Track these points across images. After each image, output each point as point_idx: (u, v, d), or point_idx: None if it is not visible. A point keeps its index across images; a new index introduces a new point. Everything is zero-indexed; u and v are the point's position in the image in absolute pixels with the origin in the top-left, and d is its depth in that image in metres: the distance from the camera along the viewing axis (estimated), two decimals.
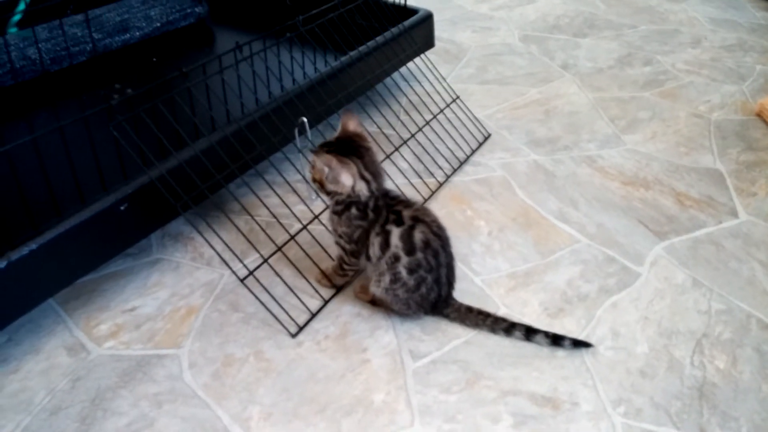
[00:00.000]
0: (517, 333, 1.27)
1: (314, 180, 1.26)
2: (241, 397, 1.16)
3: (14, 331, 1.28)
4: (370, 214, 1.24)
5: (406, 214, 1.23)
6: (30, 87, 1.80)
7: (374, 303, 1.33)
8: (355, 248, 1.28)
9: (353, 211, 1.25)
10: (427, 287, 1.24)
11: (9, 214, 1.17)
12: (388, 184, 1.57)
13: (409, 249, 1.21)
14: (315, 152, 1.23)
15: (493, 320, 1.28)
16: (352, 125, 1.28)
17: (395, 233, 1.22)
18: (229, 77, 1.48)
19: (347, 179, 1.22)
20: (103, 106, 1.22)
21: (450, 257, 1.27)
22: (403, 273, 1.22)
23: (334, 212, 1.28)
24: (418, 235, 1.21)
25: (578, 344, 1.26)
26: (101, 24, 1.91)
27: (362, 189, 1.23)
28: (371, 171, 1.24)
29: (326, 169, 1.22)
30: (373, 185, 1.24)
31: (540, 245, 1.52)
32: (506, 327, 1.27)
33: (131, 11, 1.97)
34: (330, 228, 1.32)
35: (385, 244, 1.22)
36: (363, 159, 1.24)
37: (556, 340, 1.25)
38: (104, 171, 1.28)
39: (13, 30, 1.90)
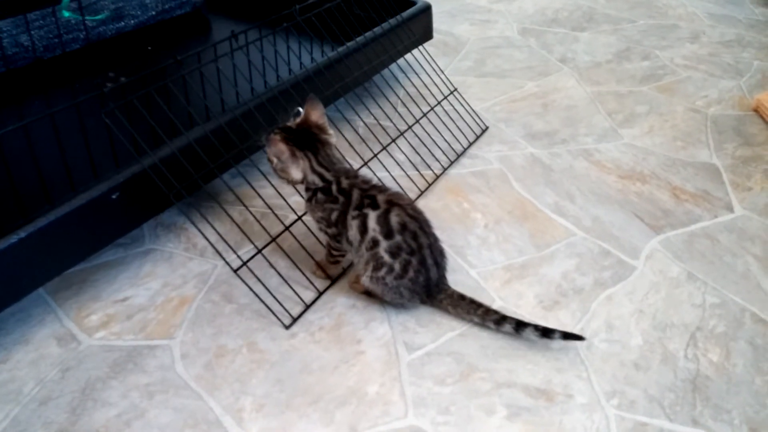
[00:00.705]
0: (507, 326, 1.25)
1: (269, 160, 1.27)
2: (234, 388, 1.15)
3: (4, 320, 1.27)
4: (339, 197, 1.25)
5: (381, 198, 1.24)
6: (22, 74, 1.78)
7: (369, 294, 1.33)
8: (335, 231, 1.28)
9: (320, 195, 1.26)
10: (414, 270, 1.23)
11: None
12: (385, 177, 1.57)
13: (387, 232, 1.21)
14: (271, 138, 1.22)
15: (484, 311, 1.27)
16: (315, 115, 1.27)
17: (372, 216, 1.22)
18: (224, 66, 1.47)
19: (296, 173, 1.24)
20: (95, 93, 1.21)
21: (432, 238, 1.26)
22: (386, 257, 1.22)
23: (307, 200, 1.29)
24: (394, 218, 1.22)
25: (569, 337, 1.24)
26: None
27: (315, 180, 1.25)
28: (324, 165, 1.25)
29: (275, 158, 1.24)
30: (328, 175, 1.25)
31: (536, 238, 1.51)
32: (497, 319, 1.26)
33: None
34: (311, 216, 1.32)
35: (363, 228, 1.23)
36: (317, 154, 1.25)
37: (546, 333, 1.24)
38: (96, 159, 1.27)
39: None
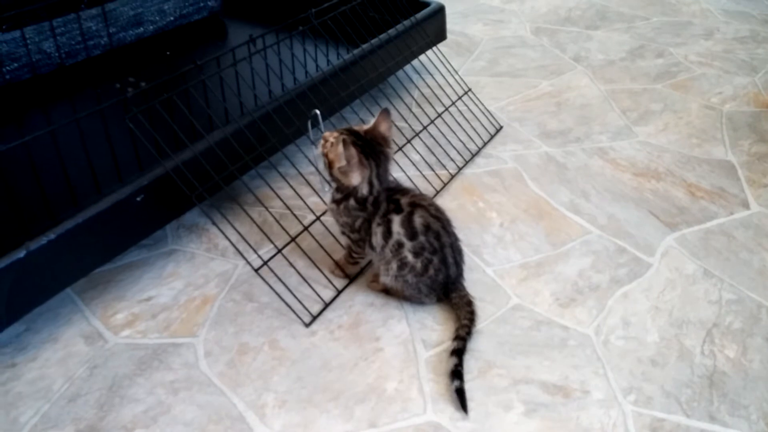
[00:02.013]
0: (451, 360, 1.20)
1: (324, 155, 1.27)
2: (256, 385, 1.18)
3: (32, 320, 1.30)
4: (369, 208, 1.26)
5: (404, 201, 1.26)
6: (46, 80, 1.82)
7: (387, 292, 1.35)
8: (358, 237, 1.30)
9: (351, 202, 1.27)
10: (435, 269, 1.25)
11: (27, 204, 1.19)
12: (401, 176, 1.59)
13: (411, 234, 1.23)
14: (343, 139, 1.20)
15: (460, 326, 1.25)
16: (384, 127, 1.28)
17: (396, 221, 1.24)
18: (242, 70, 1.50)
19: (356, 179, 1.24)
20: (119, 98, 1.24)
21: (453, 237, 1.29)
22: (409, 257, 1.24)
23: (334, 200, 1.30)
24: (417, 220, 1.24)
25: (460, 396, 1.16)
26: (115, 18, 1.93)
27: (363, 190, 1.26)
28: (380, 179, 1.26)
29: (344, 161, 1.22)
30: (376, 190, 1.26)
31: (551, 236, 1.53)
32: (453, 348, 1.22)
33: (145, 5, 1.98)
34: (334, 218, 1.34)
35: (388, 233, 1.25)
36: (379, 166, 1.25)
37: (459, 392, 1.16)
38: (120, 163, 1.30)
39: None
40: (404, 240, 1.24)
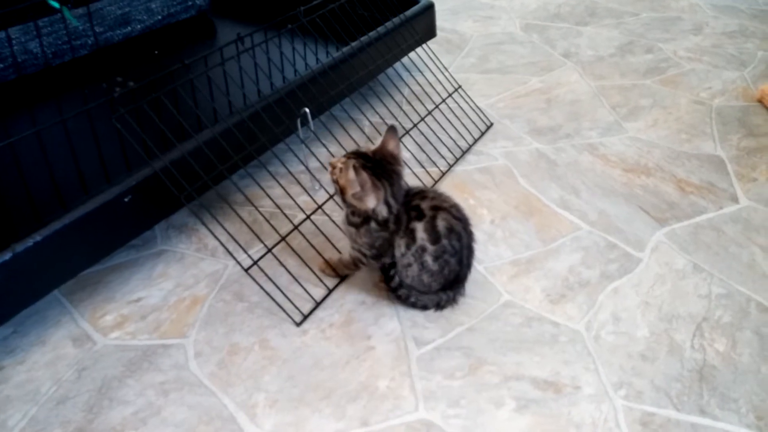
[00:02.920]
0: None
1: (335, 182, 1.24)
2: (247, 384, 1.18)
3: (20, 322, 1.29)
4: (392, 226, 1.24)
5: (425, 205, 1.24)
6: (32, 81, 1.81)
7: (394, 291, 1.33)
8: (377, 253, 1.28)
9: (372, 225, 1.25)
10: (450, 269, 1.26)
11: (14, 206, 1.18)
12: None
13: (435, 238, 1.22)
14: (353, 165, 1.18)
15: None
16: (392, 145, 1.25)
17: (419, 228, 1.22)
18: (230, 69, 1.49)
19: (372, 202, 1.21)
20: (106, 98, 1.23)
21: (471, 238, 1.28)
22: (429, 261, 1.23)
23: (351, 224, 1.27)
24: (441, 223, 1.22)
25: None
26: (102, 17, 1.92)
27: (383, 211, 1.23)
28: (396, 197, 1.24)
29: (357, 187, 1.19)
30: (395, 209, 1.24)
31: (542, 233, 1.53)
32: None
33: (132, 4, 1.97)
34: (345, 235, 1.32)
35: (411, 241, 1.23)
36: (393, 185, 1.23)
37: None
38: (108, 163, 1.29)
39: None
40: (427, 245, 1.22)
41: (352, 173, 1.18)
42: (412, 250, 1.23)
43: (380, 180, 1.21)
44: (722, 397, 1.16)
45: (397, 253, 1.25)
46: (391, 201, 1.23)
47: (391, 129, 1.26)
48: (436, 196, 1.27)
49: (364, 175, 1.18)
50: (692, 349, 1.25)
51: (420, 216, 1.23)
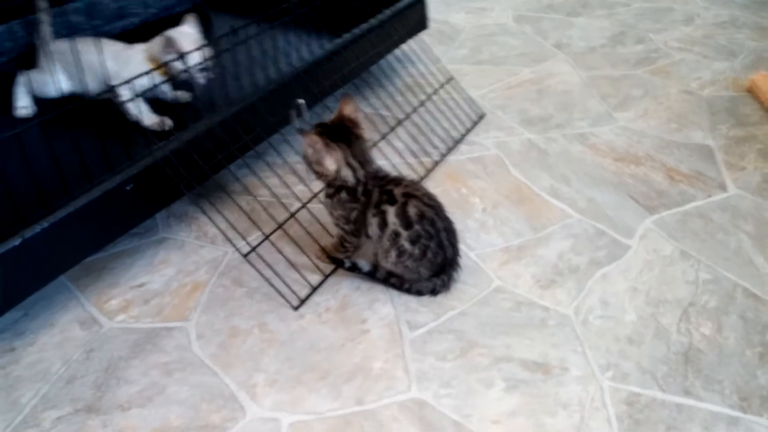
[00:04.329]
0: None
1: (304, 158, 1.31)
2: (247, 366, 1.22)
3: (30, 306, 1.34)
4: (361, 198, 1.29)
5: (397, 192, 1.28)
6: None
7: (332, 259, 1.40)
8: (353, 228, 1.33)
9: (343, 194, 1.30)
10: (433, 252, 1.30)
11: (21, 194, 1.21)
12: (385, 164, 1.63)
13: (407, 224, 1.27)
14: (305, 132, 1.26)
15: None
16: (349, 110, 1.31)
17: (391, 212, 1.27)
18: (226, 61, 1.52)
19: (331, 164, 1.27)
20: (106, 90, 1.27)
21: (447, 221, 1.32)
22: (407, 245, 1.28)
23: (327, 195, 1.33)
24: (412, 210, 1.27)
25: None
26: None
27: (348, 176, 1.28)
28: (359, 159, 1.29)
29: (310, 150, 1.26)
30: (360, 173, 1.29)
31: (532, 220, 1.57)
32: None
33: None
34: (327, 211, 1.37)
35: (383, 223, 1.28)
36: (351, 146, 1.28)
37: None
38: (110, 153, 1.33)
39: None
40: (400, 230, 1.27)
41: (301, 137, 1.25)
42: (386, 234, 1.28)
43: (335, 142, 1.26)
44: (707, 378, 1.20)
45: (371, 232, 1.30)
46: (353, 162, 1.28)
47: (346, 95, 1.32)
48: (410, 184, 1.32)
49: (314, 136, 1.24)
50: (678, 333, 1.28)
51: (391, 200, 1.28)
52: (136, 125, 1.32)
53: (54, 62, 1.50)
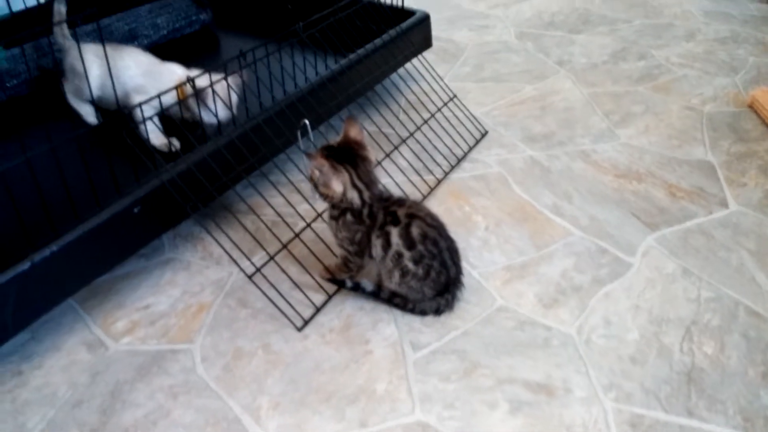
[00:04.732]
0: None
1: (310, 180, 1.32)
2: (251, 388, 1.23)
3: (37, 329, 1.35)
4: (366, 220, 1.30)
5: (401, 212, 1.30)
6: (45, 97, 1.85)
7: (333, 281, 1.42)
8: (358, 249, 1.34)
9: (348, 216, 1.31)
10: (436, 272, 1.31)
11: (30, 218, 1.23)
12: (388, 182, 1.64)
13: (410, 244, 1.28)
14: (311, 154, 1.27)
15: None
16: (354, 132, 1.32)
17: (394, 233, 1.28)
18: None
19: (337, 186, 1.28)
20: (116, 114, 1.28)
21: (449, 241, 1.33)
22: (410, 266, 1.29)
23: (332, 217, 1.34)
24: (415, 230, 1.28)
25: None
26: (110, 33, 1.97)
27: (354, 197, 1.29)
28: (364, 181, 1.30)
29: (317, 173, 1.28)
30: (366, 194, 1.30)
31: (535, 238, 1.58)
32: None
33: (139, 20, 2.03)
34: (332, 232, 1.38)
35: (387, 244, 1.29)
36: (357, 168, 1.29)
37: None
38: (118, 176, 1.34)
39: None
40: (403, 250, 1.28)
41: (307, 160, 1.26)
42: (389, 255, 1.29)
43: (341, 164, 1.28)
44: (710, 399, 1.20)
45: (375, 253, 1.31)
46: (359, 184, 1.29)
47: (349, 118, 1.33)
48: (413, 205, 1.33)
49: (321, 159, 1.26)
50: (681, 352, 1.29)
51: (395, 221, 1.29)
52: (143, 145, 1.33)
53: (83, 68, 1.48)
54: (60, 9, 1.67)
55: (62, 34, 1.66)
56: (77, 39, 1.43)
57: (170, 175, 1.35)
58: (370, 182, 1.31)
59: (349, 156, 1.29)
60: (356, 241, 1.33)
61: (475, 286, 1.44)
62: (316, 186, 1.30)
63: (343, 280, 1.40)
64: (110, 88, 1.46)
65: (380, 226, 1.30)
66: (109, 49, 1.48)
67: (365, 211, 1.30)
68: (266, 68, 1.56)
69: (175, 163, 1.39)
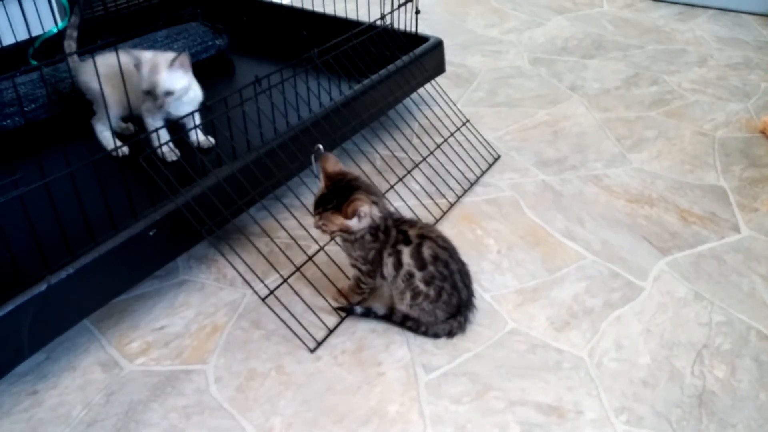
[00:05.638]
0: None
1: (330, 233, 1.33)
2: (264, 408, 1.24)
3: (52, 349, 1.37)
4: (381, 236, 1.32)
5: (412, 233, 1.31)
6: (63, 120, 1.89)
7: (345, 310, 1.43)
8: (370, 268, 1.36)
9: (367, 236, 1.32)
10: (448, 294, 1.32)
11: (47, 240, 1.25)
12: (401, 206, 1.66)
13: (421, 264, 1.29)
14: (356, 206, 1.26)
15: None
16: (331, 165, 1.32)
17: (405, 252, 1.30)
18: (248, 108, 1.57)
19: (375, 211, 1.30)
20: (132, 140, 1.32)
21: (460, 264, 1.35)
22: (422, 286, 1.30)
23: (347, 240, 1.35)
24: (426, 251, 1.30)
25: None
26: None
27: (375, 212, 1.31)
28: (372, 199, 1.31)
29: (362, 220, 1.28)
30: (380, 204, 1.32)
31: (547, 262, 1.58)
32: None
33: (156, 45, 2.07)
34: (344, 252, 1.39)
35: (398, 263, 1.30)
36: (361, 189, 1.30)
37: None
38: (134, 199, 1.37)
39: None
40: (414, 270, 1.30)
41: (324, 222, 1.30)
42: (401, 275, 1.30)
43: (352, 193, 1.28)
44: (721, 422, 1.20)
45: (386, 272, 1.33)
46: (373, 197, 1.30)
47: (322, 155, 1.33)
48: (424, 226, 1.35)
49: (365, 206, 1.26)
50: (692, 376, 1.29)
51: (407, 241, 1.30)
52: (159, 170, 1.36)
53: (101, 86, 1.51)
54: (71, 44, 1.73)
55: (73, 60, 1.73)
56: (96, 67, 1.46)
57: (185, 199, 1.38)
58: (376, 192, 1.33)
59: (348, 188, 1.30)
60: (369, 260, 1.34)
61: (487, 309, 1.45)
62: (348, 233, 1.31)
63: (352, 307, 1.41)
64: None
65: (393, 244, 1.31)
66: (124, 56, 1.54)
67: (381, 226, 1.31)
68: (281, 93, 1.59)
69: (191, 187, 1.41)
